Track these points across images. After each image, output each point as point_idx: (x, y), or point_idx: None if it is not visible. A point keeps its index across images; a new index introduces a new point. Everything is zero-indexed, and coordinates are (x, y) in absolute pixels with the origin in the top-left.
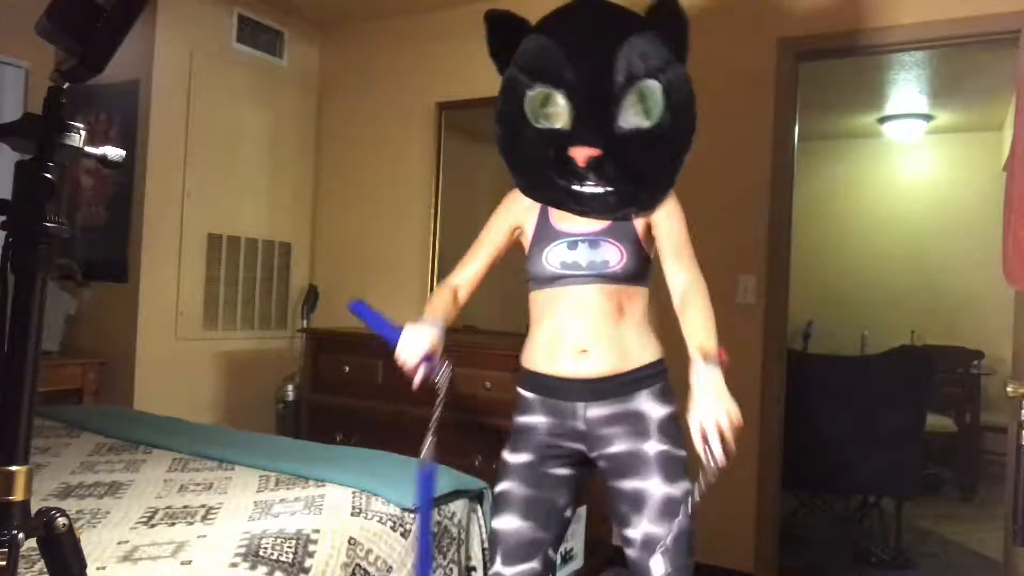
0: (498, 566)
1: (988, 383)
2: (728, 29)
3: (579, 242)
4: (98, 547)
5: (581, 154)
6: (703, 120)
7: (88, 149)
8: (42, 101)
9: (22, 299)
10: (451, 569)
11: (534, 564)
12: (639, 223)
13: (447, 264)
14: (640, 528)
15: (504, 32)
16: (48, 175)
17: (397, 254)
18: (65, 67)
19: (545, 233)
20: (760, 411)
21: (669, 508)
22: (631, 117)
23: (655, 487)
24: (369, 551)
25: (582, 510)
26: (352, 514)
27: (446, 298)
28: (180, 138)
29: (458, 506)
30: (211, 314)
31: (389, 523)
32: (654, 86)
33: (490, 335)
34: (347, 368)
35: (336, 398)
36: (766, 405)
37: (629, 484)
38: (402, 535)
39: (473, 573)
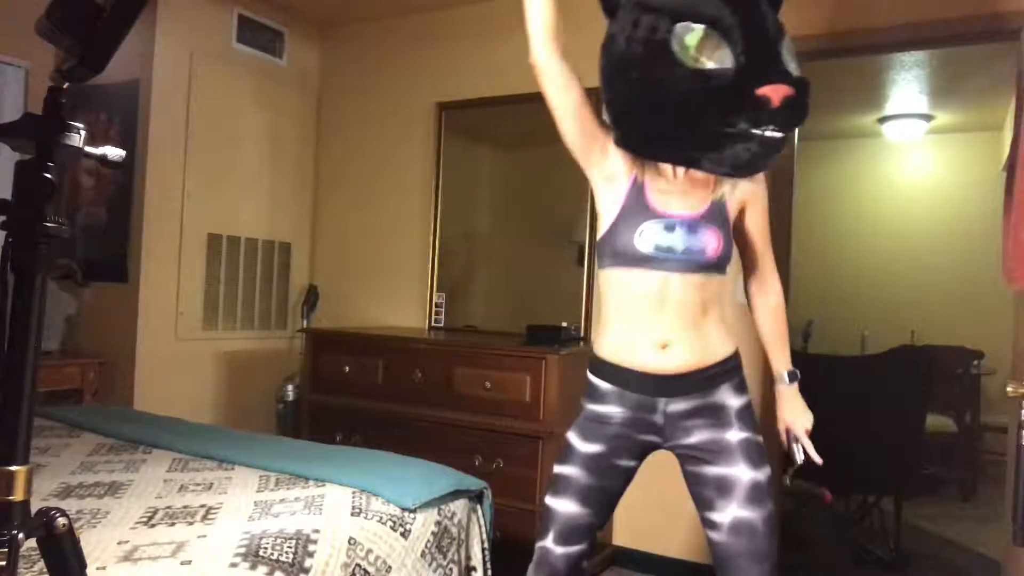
0: (549, 542)
1: (988, 383)
2: None
3: (677, 225)
4: (98, 547)
5: (778, 93)
6: None
7: (88, 149)
8: (42, 101)
9: (22, 299)
10: (451, 569)
11: (584, 546)
12: (733, 206)
13: (447, 264)
14: (728, 512)
15: None
16: (48, 175)
17: (397, 254)
18: (65, 67)
19: (638, 209)
20: (760, 411)
21: (757, 492)
22: (792, 65)
23: (742, 473)
24: (369, 551)
25: None
26: (352, 514)
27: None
28: (180, 138)
29: (458, 506)
30: (211, 314)
31: (389, 523)
32: (790, 41)
33: (490, 335)
34: (347, 368)
35: (336, 398)
36: (766, 405)
37: (713, 470)
38: (402, 535)
39: (473, 573)
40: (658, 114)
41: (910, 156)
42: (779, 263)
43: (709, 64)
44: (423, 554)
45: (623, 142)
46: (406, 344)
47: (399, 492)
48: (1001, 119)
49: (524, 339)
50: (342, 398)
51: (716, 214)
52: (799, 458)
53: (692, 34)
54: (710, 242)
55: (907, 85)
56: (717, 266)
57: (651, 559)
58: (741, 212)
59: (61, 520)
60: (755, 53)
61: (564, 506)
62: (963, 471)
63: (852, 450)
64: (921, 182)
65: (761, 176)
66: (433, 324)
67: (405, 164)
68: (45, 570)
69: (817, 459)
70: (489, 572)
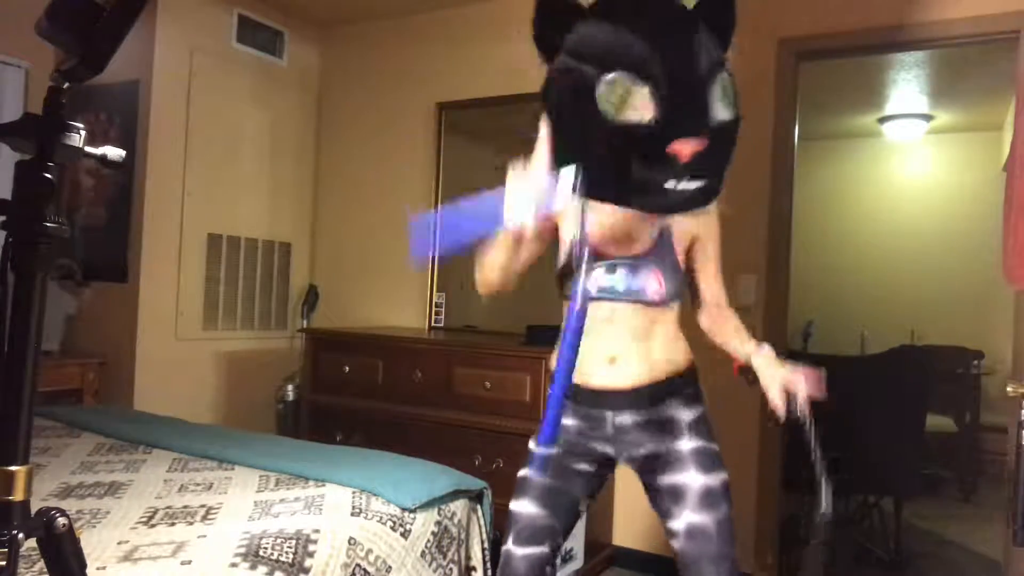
0: (510, 544)
1: (988, 383)
2: None
3: (618, 266)
4: (98, 547)
5: (687, 148)
6: None
7: (88, 149)
8: (42, 101)
9: (22, 299)
10: (451, 569)
11: (543, 548)
12: (680, 238)
13: (447, 264)
14: (683, 519)
15: (557, 14)
16: (48, 175)
17: (397, 254)
18: (65, 67)
19: (584, 249)
20: (760, 411)
21: (709, 497)
22: (719, 109)
23: (693, 479)
24: (369, 551)
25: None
26: (352, 514)
27: None
28: (180, 138)
29: (458, 506)
30: (211, 314)
31: (389, 523)
32: (728, 78)
33: (490, 335)
34: (347, 368)
35: (336, 398)
36: (766, 405)
37: (666, 479)
38: (402, 535)
39: (473, 573)
40: (593, 162)
41: (910, 156)
42: (779, 264)
43: (630, 117)
44: (423, 554)
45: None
46: (406, 344)
47: (399, 492)
48: (1001, 119)
49: (524, 339)
50: (342, 398)
51: (660, 249)
52: (800, 411)
53: (615, 87)
54: (651, 284)
55: (907, 85)
56: (663, 304)
57: (651, 559)
58: (692, 244)
59: (61, 520)
60: (676, 104)
61: (522, 507)
62: (963, 471)
63: (852, 450)
64: (921, 182)
65: (712, 209)
66: (433, 324)
67: (405, 164)
68: (45, 570)
69: (804, 404)
70: (489, 572)
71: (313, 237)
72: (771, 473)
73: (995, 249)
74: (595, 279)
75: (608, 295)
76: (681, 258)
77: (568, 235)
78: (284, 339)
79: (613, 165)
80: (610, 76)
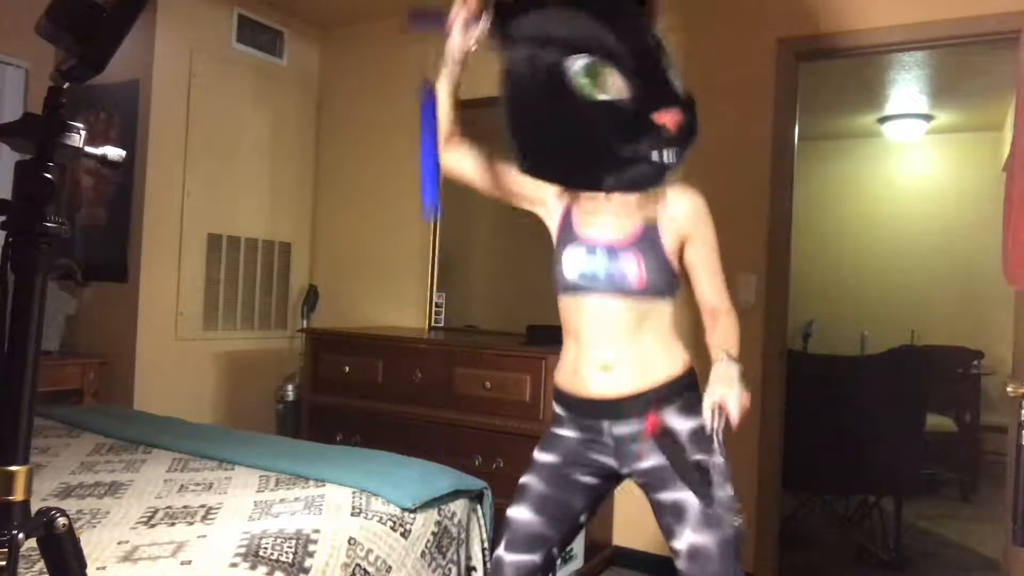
0: (501, 549)
1: (988, 383)
2: (728, 29)
3: (598, 249)
4: (98, 547)
5: (672, 119)
6: (703, 119)
7: (88, 149)
8: (42, 101)
9: (22, 299)
10: (451, 569)
11: (534, 557)
12: (669, 236)
13: (447, 264)
14: (684, 538)
15: (511, 8)
16: (48, 175)
17: (397, 254)
18: (65, 67)
19: (567, 235)
20: (760, 411)
21: (710, 516)
22: (677, 82)
23: (693, 497)
24: (369, 551)
25: None
26: (352, 514)
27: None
28: (180, 138)
29: (458, 506)
30: (211, 314)
31: (389, 523)
32: (669, 56)
33: (490, 335)
34: (347, 368)
35: (336, 398)
36: (766, 405)
37: (668, 496)
38: (402, 535)
39: (473, 573)
40: (565, 144)
41: (910, 156)
42: (779, 264)
43: (606, 95)
44: (423, 554)
45: (531, 171)
46: (406, 344)
47: (399, 492)
48: (1001, 119)
49: (524, 339)
50: (342, 398)
51: (644, 240)
52: (715, 436)
53: (587, 68)
54: (631, 269)
55: (907, 85)
56: (647, 293)
57: (651, 559)
58: (683, 246)
59: (61, 520)
60: (647, 80)
61: (518, 513)
62: (963, 471)
63: (852, 450)
64: (921, 182)
65: (704, 211)
66: (433, 324)
67: (405, 164)
68: (45, 570)
69: (717, 429)
70: (489, 572)
71: (313, 237)
72: (771, 473)
73: (995, 249)
74: (576, 263)
75: (590, 284)
76: (673, 258)
77: (553, 237)
78: (284, 339)
79: (597, 145)
80: (580, 59)
